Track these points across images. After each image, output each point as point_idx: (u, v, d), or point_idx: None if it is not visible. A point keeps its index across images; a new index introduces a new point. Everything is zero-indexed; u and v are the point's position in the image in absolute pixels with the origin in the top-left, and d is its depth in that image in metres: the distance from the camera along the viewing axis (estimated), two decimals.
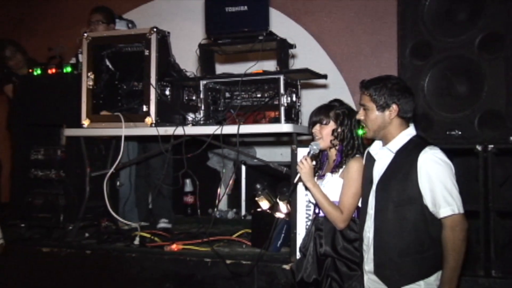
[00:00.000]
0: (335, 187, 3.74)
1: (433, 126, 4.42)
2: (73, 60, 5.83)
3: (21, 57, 6.59)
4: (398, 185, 3.31)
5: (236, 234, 5.33)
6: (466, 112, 4.36)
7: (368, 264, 3.43)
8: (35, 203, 5.74)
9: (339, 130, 3.79)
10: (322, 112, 3.86)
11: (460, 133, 4.33)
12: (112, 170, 5.42)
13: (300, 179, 3.75)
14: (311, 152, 3.77)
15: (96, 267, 5.15)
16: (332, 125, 3.81)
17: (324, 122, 3.82)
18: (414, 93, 3.62)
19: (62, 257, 5.28)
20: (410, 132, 3.43)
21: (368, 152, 3.62)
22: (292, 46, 5.12)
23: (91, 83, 5.32)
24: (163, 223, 5.96)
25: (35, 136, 5.90)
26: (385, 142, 3.46)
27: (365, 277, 3.47)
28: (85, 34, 5.42)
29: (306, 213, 4.40)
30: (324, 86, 6.52)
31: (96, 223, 5.64)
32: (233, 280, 4.57)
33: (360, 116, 3.49)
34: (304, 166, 3.68)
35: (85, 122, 5.33)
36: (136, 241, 5.21)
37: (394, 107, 3.36)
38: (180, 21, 6.78)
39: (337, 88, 6.95)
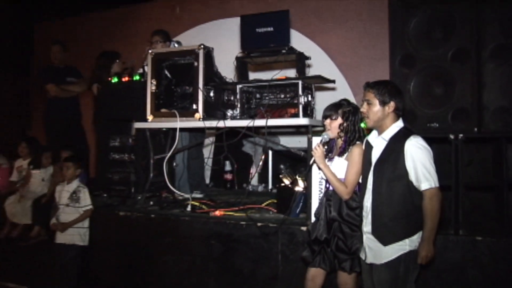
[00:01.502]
0: (341, 167, 3.75)
1: (416, 119, 4.55)
2: (140, 71, 5.84)
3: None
4: (390, 166, 3.37)
5: (264, 203, 5.28)
6: (441, 109, 4.46)
7: (367, 226, 3.49)
8: (113, 178, 5.83)
9: (345, 124, 3.79)
10: (332, 109, 3.87)
11: (437, 125, 4.48)
12: (169, 154, 5.43)
13: (314, 161, 3.77)
14: (323, 140, 3.81)
15: (158, 227, 5.16)
16: (339, 120, 3.82)
17: (334, 117, 3.83)
18: (403, 94, 3.69)
19: (133, 219, 5.30)
20: (399, 124, 3.47)
21: (367, 140, 3.65)
22: (308, 58, 5.13)
23: (154, 88, 5.32)
24: (196, 194, 5.97)
25: (113, 128, 5.94)
26: (380, 132, 3.51)
27: (364, 237, 3.52)
28: (150, 51, 5.43)
29: (319, 187, 4.36)
30: (332, 89, 6.48)
31: (158, 194, 5.66)
32: (262, 239, 4.55)
33: (363, 109, 3.53)
34: (317, 151, 3.72)
35: (149, 117, 5.33)
36: (188, 208, 5.20)
37: (392, 104, 3.43)
38: (221, 39, 6.77)
39: (343, 90, 6.94)
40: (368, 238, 3.47)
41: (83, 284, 5.44)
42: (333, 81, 5.16)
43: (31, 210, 6.03)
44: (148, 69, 5.42)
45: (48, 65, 7.26)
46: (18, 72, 12.93)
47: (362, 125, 3.82)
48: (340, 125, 3.79)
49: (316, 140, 4.16)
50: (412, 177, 3.29)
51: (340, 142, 3.84)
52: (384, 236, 3.38)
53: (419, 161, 3.26)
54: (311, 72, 5.43)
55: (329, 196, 3.80)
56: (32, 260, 6.07)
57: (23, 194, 6.27)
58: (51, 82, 6.93)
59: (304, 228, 4.29)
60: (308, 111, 4.87)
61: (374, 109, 3.45)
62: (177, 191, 5.60)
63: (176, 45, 5.85)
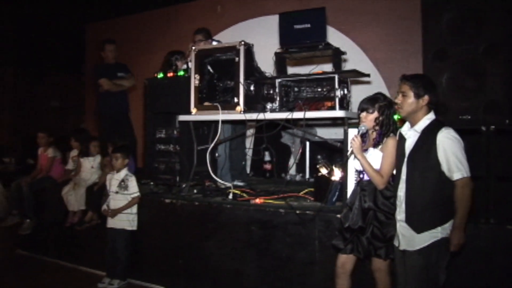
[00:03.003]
0: (376, 158, 3.74)
1: (449, 112, 4.50)
2: (184, 66, 5.86)
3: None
4: (422, 157, 3.36)
5: (302, 192, 5.26)
6: (473, 101, 4.44)
7: (400, 215, 3.48)
8: (160, 168, 5.82)
9: (380, 118, 3.77)
10: (369, 103, 3.83)
11: (469, 117, 4.36)
12: (212, 145, 5.47)
13: (352, 152, 3.75)
14: (360, 131, 3.79)
15: (201, 214, 5.21)
16: (375, 114, 3.79)
17: (370, 111, 3.80)
18: (436, 87, 3.64)
19: (178, 206, 5.36)
20: (431, 116, 3.46)
21: (400, 132, 3.63)
22: (343, 53, 5.09)
23: (197, 82, 5.36)
24: (237, 182, 6.02)
25: (159, 121, 5.96)
26: (412, 124, 3.49)
27: (398, 224, 3.51)
28: (193, 48, 5.46)
29: (355, 177, 4.28)
30: (367, 83, 6.41)
31: (202, 183, 5.66)
32: (300, 225, 4.55)
33: (398, 100, 3.52)
34: (355, 142, 3.70)
35: (193, 110, 5.39)
36: (230, 196, 5.22)
37: (426, 97, 3.41)
38: (260, 36, 6.76)
39: (377, 83, 6.88)
40: (401, 226, 3.47)
41: (132, 265, 5.56)
42: (368, 75, 5.11)
43: (85, 197, 6.17)
44: (191, 65, 5.46)
45: (101, 63, 7.40)
46: (71, 70, 13.23)
47: (396, 116, 3.80)
48: (376, 118, 3.76)
49: (352, 132, 4.13)
50: (444, 167, 3.27)
51: (373, 134, 3.82)
52: (417, 224, 3.37)
53: (451, 151, 3.24)
54: (346, 66, 5.40)
55: (363, 186, 3.79)
56: (87, 242, 6.22)
57: (76, 182, 6.41)
58: (104, 77, 7.06)
59: (339, 216, 4.27)
60: (344, 104, 4.84)
61: (409, 101, 3.44)
62: (219, 180, 5.63)
63: (215, 43, 5.88)
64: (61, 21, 10.26)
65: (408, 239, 3.41)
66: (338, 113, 4.72)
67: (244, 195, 5.26)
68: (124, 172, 5.55)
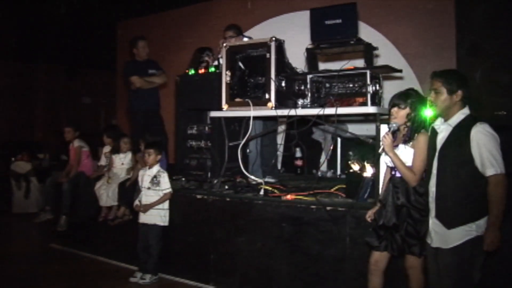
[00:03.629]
0: (407, 155, 3.72)
1: (483, 108, 4.36)
2: (215, 63, 5.89)
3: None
4: (455, 151, 3.33)
5: (333, 188, 5.25)
6: (509, 97, 4.22)
7: (432, 211, 3.47)
8: (191, 164, 5.88)
9: (412, 114, 3.73)
10: (401, 98, 3.80)
11: (505, 113, 4.23)
12: (243, 141, 5.50)
13: (383, 149, 3.74)
14: (392, 128, 3.76)
15: (233, 210, 5.26)
16: (407, 110, 3.75)
17: (402, 106, 3.76)
18: (469, 82, 3.58)
19: (209, 202, 5.42)
20: (465, 111, 3.42)
21: (432, 127, 3.62)
22: (375, 48, 5.07)
23: (228, 79, 5.40)
24: (268, 178, 6.02)
25: (191, 117, 6.01)
26: (446, 118, 3.46)
27: (430, 221, 3.51)
28: (224, 44, 5.49)
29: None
30: (399, 78, 6.34)
31: (233, 179, 5.71)
32: (331, 222, 4.55)
33: (431, 98, 3.50)
34: (387, 139, 3.68)
35: (225, 106, 5.43)
36: (261, 192, 5.25)
37: (459, 92, 3.38)
38: (290, 32, 6.74)
39: (409, 79, 6.79)
40: (433, 223, 3.46)
41: (164, 260, 5.63)
42: (400, 71, 5.09)
43: (117, 193, 6.28)
44: (222, 61, 5.50)
45: (132, 60, 7.48)
46: (103, 67, 13.42)
47: (428, 114, 3.75)
48: (408, 114, 3.73)
49: (384, 128, 4.11)
50: (477, 163, 3.23)
51: (404, 130, 3.80)
52: (448, 219, 3.36)
53: (484, 147, 3.20)
54: (378, 62, 5.35)
55: (396, 183, 3.77)
56: (119, 237, 6.33)
57: (109, 176, 6.53)
58: (135, 74, 7.15)
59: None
60: (376, 99, 4.81)
61: (442, 97, 3.41)
62: (250, 176, 5.66)
63: (246, 39, 5.89)
64: (94, 18, 10.40)
65: (441, 236, 3.39)
66: (370, 109, 4.70)
67: (275, 191, 5.29)
68: (156, 168, 5.63)
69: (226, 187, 5.61)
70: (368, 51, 4.99)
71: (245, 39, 5.82)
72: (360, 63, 5.18)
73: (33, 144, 12.89)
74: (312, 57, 5.35)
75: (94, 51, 12.80)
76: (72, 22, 10.42)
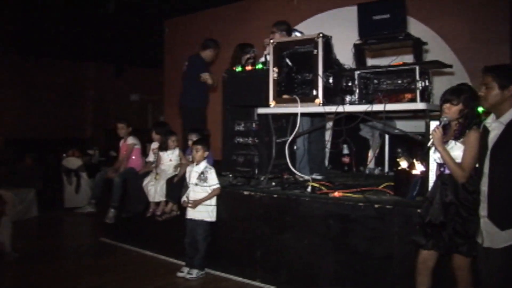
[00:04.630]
0: (457, 151, 3.68)
1: None
2: (262, 59, 5.93)
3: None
4: (507, 150, 3.25)
5: (381, 186, 5.22)
6: None
7: (484, 210, 3.38)
8: (238, 160, 5.93)
9: (466, 110, 3.68)
10: (454, 94, 3.75)
11: None
12: (291, 137, 5.52)
13: (432, 143, 3.72)
14: (442, 122, 3.74)
15: (280, 207, 5.29)
16: (460, 106, 3.71)
17: (455, 102, 3.72)
18: None
19: (256, 198, 5.48)
20: None
21: (484, 125, 3.52)
22: (424, 43, 5.03)
23: (275, 75, 5.42)
24: (315, 175, 6.04)
25: (238, 114, 6.06)
26: (498, 115, 3.38)
27: (481, 220, 3.41)
28: (271, 41, 5.52)
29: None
30: (449, 74, 6.25)
31: (280, 175, 5.73)
32: (378, 220, 4.54)
33: (481, 93, 3.43)
34: (436, 133, 3.67)
35: (272, 103, 5.45)
36: (308, 189, 5.25)
37: (511, 87, 3.29)
38: (337, 28, 6.72)
39: (460, 75, 6.67)
40: (485, 222, 3.37)
41: (210, 256, 5.72)
42: (450, 66, 5.03)
43: (165, 188, 6.39)
44: (270, 58, 5.52)
45: (200, 57, 7.53)
46: (150, 65, 13.66)
47: (480, 109, 3.72)
48: (461, 110, 3.69)
49: (434, 124, 4.05)
50: None
51: (454, 125, 3.77)
52: (501, 220, 3.28)
53: None
54: (427, 57, 5.29)
55: (445, 179, 3.73)
56: (166, 233, 6.46)
57: (157, 173, 6.65)
58: (207, 71, 7.27)
59: (420, 211, 4.21)
60: (425, 95, 4.76)
61: (493, 92, 3.34)
62: (297, 173, 5.68)
63: (297, 34, 5.91)
64: (141, 17, 10.60)
65: (492, 236, 3.32)
66: (419, 105, 4.66)
67: (323, 188, 5.29)
68: (203, 165, 5.72)
69: (273, 183, 5.64)
70: (417, 46, 4.96)
71: (298, 34, 5.83)
72: (409, 58, 5.15)
73: (83, 141, 13.30)
74: (359, 53, 5.34)
75: (141, 49, 13.06)
76: (120, 21, 10.64)
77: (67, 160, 10.51)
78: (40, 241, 7.80)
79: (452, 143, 3.72)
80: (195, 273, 5.60)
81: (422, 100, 4.68)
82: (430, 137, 3.74)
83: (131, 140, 7.38)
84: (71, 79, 14.22)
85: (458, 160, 3.64)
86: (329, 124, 6.54)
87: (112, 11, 9.30)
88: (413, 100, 4.74)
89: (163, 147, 6.75)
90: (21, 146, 10.76)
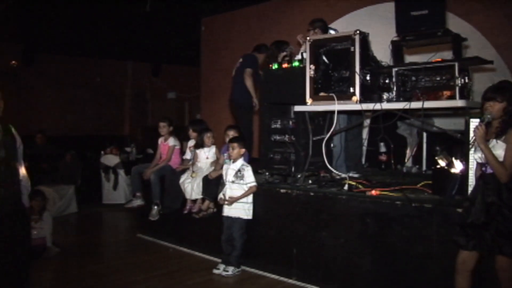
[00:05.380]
0: (499, 149, 3.61)
1: None
2: (299, 57, 5.92)
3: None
4: None
5: (419, 184, 5.17)
6: None
7: None
8: (275, 158, 5.94)
9: (509, 108, 3.61)
10: (498, 92, 3.69)
11: None
12: (328, 135, 5.51)
13: (475, 141, 3.67)
14: (486, 120, 3.66)
15: (316, 205, 5.28)
16: (504, 104, 3.63)
17: (499, 100, 3.65)
18: None
19: (293, 196, 5.48)
20: None
21: None
22: (464, 39, 4.94)
23: (312, 73, 5.41)
24: (352, 173, 6.01)
25: (274, 111, 6.05)
26: None
27: None
28: (308, 38, 5.50)
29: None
30: (490, 70, 6.11)
31: (317, 173, 5.73)
32: (417, 218, 4.48)
33: None
34: (479, 131, 3.60)
35: (309, 101, 5.45)
36: (345, 187, 5.25)
37: None
38: (374, 24, 6.65)
39: (500, 71, 6.51)
40: None
41: (247, 253, 5.75)
42: (491, 62, 4.94)
43: (202, 186, 6.44)
44: (306, 55, 5.51)
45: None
46: (187, 63, 13.79)
47: None
48: (505, 108, 3.62)
49: (474, 122, 3.99)
50: None
51: (496, 122, 3.69)
52: None
53: None
54: (467, 53, 5.20)
55: (487, 179, 3.67)
56: (203, 230, 6.52)
57: (194, 170, 6.71)
58: (258, 71, 7.27)
59: (459, 210, 4.14)
60: (465, 93, 4.69)
61: None
62: (334, 171, 5.67)
63: (332, 32, 5.88)
64: (178, 15, 10.69)
65: None
66: (459, 102, 4.59)
67: (360, 186, 5.27)
68: (240, 162, 5.75)
69: (310, 181, 5.64)
70: (456, 42, 4.89)
71: (332, 32, 5.81)
72: (448, 55, 5.07)
73: (121, 138, 13.53)
74: (397, 49, 5.29)
75: (178, 47, 13.19)
76: (157, 20, 10.76)
77: (105, 157, 10.72)
78: (80, 236, 8.00)
79: (493, 141, 3.65)
80: (231, 270, 5.63)
81: (461, 97, 4.61)
82: (472, 135, 3.68)
83: (172, 142, 7.43)
84: (110, 77, 14.47)
85: (500, 159, 3.57)
86: (366, 122, 6.50)
87: (149, 9, 9.40)
88: (452, 97, 4.67)
89: (200, 144, 6.81)
90: (61, 143, 11.00)
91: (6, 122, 4.17)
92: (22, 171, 4.29)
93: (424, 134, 6.66)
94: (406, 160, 6.70)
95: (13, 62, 12.42)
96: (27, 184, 4.36)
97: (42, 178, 9.51)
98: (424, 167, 6.65)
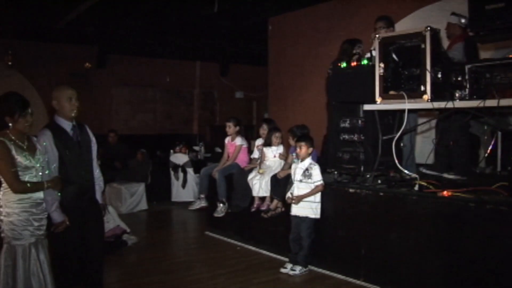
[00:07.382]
0: None
1: None
2: (368, 55, 5.84)
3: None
4: None
5: (494, 185, 4.97)
6: None
7: None
8: (344, 157, 5.89)
9: None
10: None
11: None
12: (398, 135, 5.42)
13: None
14: None
15: (386, 205, 5.24)
16: None
17: None
18: None
19: (362, 196, 5.45)
20: None
21: None
22: None
23: (381, 71, 5.33)
24: (448, 175, 5.89)
25: (343, 110, 6.00)
26: None
27: None
28: (377, 36, 5.42)
29: None
30: None
31: (386, 173, 5.65)
32: (492, 221, 4.35)
33: None
34: None
35: (378, 99, 5.37)
36: (416, 187, 5.15)
37: None
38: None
39: None
40: None
41: (314, 253, 5.76)
42: None
43: (270, 185, 6.49)
44: (375, 53, 5.44)
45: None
46: (254, 62, 13.90)
47: None
48: None
49: None
50: None
51: None
52: None
53: None
54: None
55: None
56: (270, 228, 6.57)
57: (261, 170, 6.77)
58: None
59: None
60: None
61: None
62: (404, 171, 5.56)
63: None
64: (245, 15, 10.77)
65: None
66: None
67: (431, 187, 5.15)
68: (308, 161, 5.76)
69: (379, 181, 5.58)
70: None
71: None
72: None
73: (190, 137, 13.80)
74: (471, 45, 5.14)
75: (246, 47, 13.30)
76: (224, 20, 10.89)
77: (175, 156, 10.98)
78: (150, 233, 8.24)
79: None
80: (298, 269, 5.66)
81: None
82: None
83: (239, 141, 7.54)
84: (179, 77, 14.80)
85: None
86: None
87: (217, 10, 9.52)
88: None
89: (267, 143, 6.87)
90: (132, 142, 11.36)
91: (82, 122, 4.38)
92: (96, 169, 4.50)
93: (499, 134, 6.44)
94: (480, 161, 6.49)
95: (87, 64, 12.90)
96: (101, 182, 4.57)
97: (114, 176, 9.88)
98: (498, 168, 6.43)
